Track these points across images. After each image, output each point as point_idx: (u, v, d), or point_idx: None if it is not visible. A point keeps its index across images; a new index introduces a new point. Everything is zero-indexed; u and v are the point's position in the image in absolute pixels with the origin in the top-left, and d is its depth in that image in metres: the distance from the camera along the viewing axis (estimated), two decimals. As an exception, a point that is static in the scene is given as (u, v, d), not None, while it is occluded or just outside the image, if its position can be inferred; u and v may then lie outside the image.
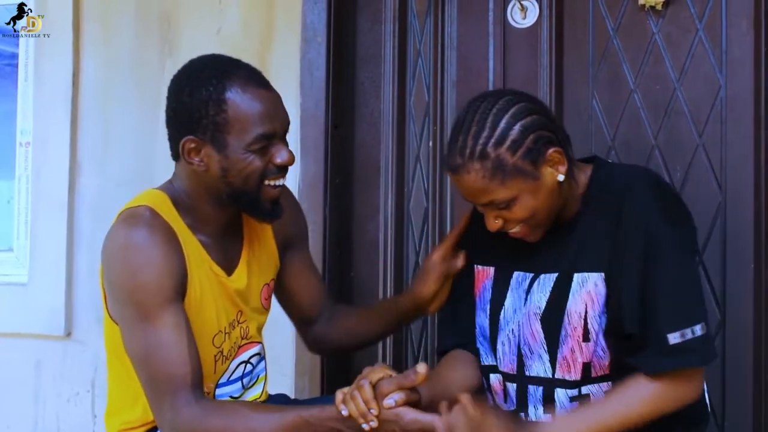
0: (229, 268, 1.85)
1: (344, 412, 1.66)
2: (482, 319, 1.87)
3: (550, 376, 1.77)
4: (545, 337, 1.77)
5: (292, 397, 2.24)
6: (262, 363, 1.99)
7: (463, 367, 1.89)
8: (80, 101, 2.82)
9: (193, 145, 1.74)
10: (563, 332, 1.75)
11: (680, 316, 1.67)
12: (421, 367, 1.67)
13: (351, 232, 2.65)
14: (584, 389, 1.75)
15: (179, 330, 1.69)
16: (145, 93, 2.74)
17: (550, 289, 1.77)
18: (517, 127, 1.68)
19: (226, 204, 1.80)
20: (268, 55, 2.62)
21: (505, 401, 1.84)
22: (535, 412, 1.79)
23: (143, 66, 2.77)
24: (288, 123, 1.80)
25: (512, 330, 1.81)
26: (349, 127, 2.64)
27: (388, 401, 1.65)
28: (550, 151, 1.70)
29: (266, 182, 1.76)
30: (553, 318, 1.76)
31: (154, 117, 2.65)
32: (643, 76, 2.35)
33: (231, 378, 1.88)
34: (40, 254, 2.84)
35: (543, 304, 1.77)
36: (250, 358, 1.92)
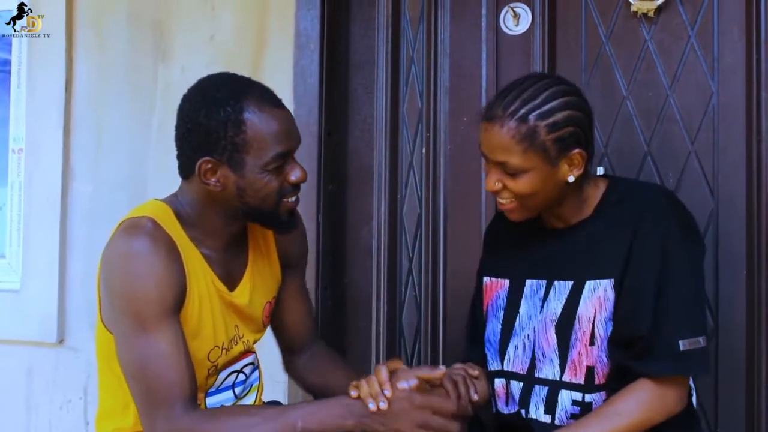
0: (231, 283, 1.84)
1: (353, 393, 1.68)
2: (494, 325, 1.92)
3: (558, 379, 1.81)
4: (558, 342, 1.81)
5: (286, 404, 2.24)
6: (256, 372, 1.98)
7: (483, 378, 1.93)
8: (73, 107, 2.81)
9: (209, 166, 1.73)
10: (573, 336, 1.80)
11: (690, 325, 1.75)
12: (442, 368, 1.75)
13: (344, 238, 2.65)
14: (587, 397, 1.78)
15: (176, 342, 1.68)
16: (138, 99, 2.74)
17: (566, 296, 1.82)
18: (564, 113, 1.75)
19: (239, 218, 1.80)
20: (261, 62, 2.62)
21: (507, 405, 1.87)
22: (536, 411, 1.82)
23: (136, 72, 2.76)
24: (300, 140, 1.81)
25: (527, 335, 1.86)
26: (342, 134, 2.64)
27: (402, 384, 1.69)
28: (576, 150, 1.77)
29: (284, 200, 1.77)
30: (566, 324, 1.81)
31: (147, 123, 2.65)
32: (636, 83, 2.35)
33: (221, 387, 1.88)
34: (32, 261, 2.83)
35: (559, 311, 1.82)
36: (243, 367, 1.92)
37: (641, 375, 1.73)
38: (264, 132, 1.71)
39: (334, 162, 2.62)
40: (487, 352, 1.92)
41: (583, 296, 1.80)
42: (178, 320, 1.71)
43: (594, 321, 1.78)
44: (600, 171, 2.31)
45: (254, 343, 1.96)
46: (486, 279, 1.97)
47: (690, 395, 1.83)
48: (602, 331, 1.78)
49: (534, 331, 1.85)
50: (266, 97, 1.76)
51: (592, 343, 1.77)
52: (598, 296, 1.79)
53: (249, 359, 1.94)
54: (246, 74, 1.84)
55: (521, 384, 1.85)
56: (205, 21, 2.69)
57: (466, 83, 2.51)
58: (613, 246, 1.79)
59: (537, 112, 1.74)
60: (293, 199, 1.79)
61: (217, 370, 1.85)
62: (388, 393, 1.67)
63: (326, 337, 2.55)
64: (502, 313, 1.91)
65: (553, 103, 1.75)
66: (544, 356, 1.83)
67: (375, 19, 2.61)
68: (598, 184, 1.88)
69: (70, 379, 2.80)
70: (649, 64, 2.34)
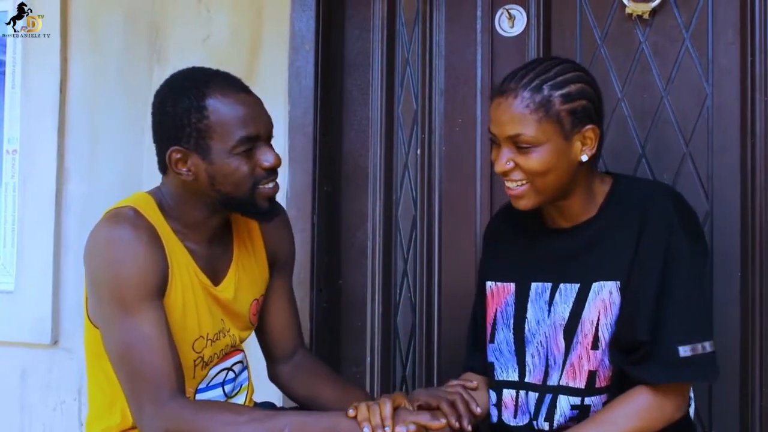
0: (215, 277, 1.84)
1: (351, 413, 1.67)
2: (506, 334, 1.87)
3: (556, 383, 1.78)
4: (565, 348, 1.78)
5: (279, 405, 2.24)
6: (245, 372, 1.98)
7: (482, 388, 1.91)
8: (68, 109, 2.81)
9: (179, 156, 1.74)
10: (575, 339, 1.76)
11: (692, 329, 1.70)
12: (442, 420, 1.70)
13: (339, 239, 2.65)
14: (587, 400, 1.75)
15: (159, 326, 1.69)
16: (133, 100, 2.74)
17: (573, 300, 1.78)
18: (578, 86, 1.73)
19: (218, 210, 1.80)
20: (256, 63, 2.62)
21: (515, 416, 1.83)
22: (540, 419, 1.79)
23: (131, 73, 2.76)
24: (271, 126, 1.80)
25: (540, 342, 1.82)
26: (337, 135, 2.64)
27: (401, 429, 1.66)
28: (590, 126, 1.74)
29: (260, 187, 1.77)
30: (571, 327, 1.77)
31: (142, 124, 2.65)
32: (631, 85, 2.35)
33: (211, 384, 1.88)
34: (26, 262, 2.82)
35: (567, 315, 1.78)
36: (233, 365, 1.92)
37: (639, 382, 1.70)
38: (227, 116, 1.72)
39: (329, 163, 2.61)
40: (495, 361, 1.87)
41: (588, 299, 1.76)
42: (161, 305, 1.71)
43: (598, 324, 1.74)
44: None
45: (242, 341, 1.95)
46: (490, 284, 1.92)
47: (689, 404, 1.79)
48: (606, 335, 1.74)
49: (546, 336, 1.80)
50: (231, 83, 1.77)
51: (595, 347, 1.74)
52: (603, 299, 1.75)
53: (238, 357, 1.94)
54: (241, 75, 1.84)
55: (536, 394, 1.80)
56: (200, 22, 2.69)
57: (461, 85, 2.51)
58: (619, 247, 1.75)
59: (551, 82, 1.71)
60: (270, 185, 1.78)
61: (205, 364, 1.84)
62: (388, 430, 1.65)
63: (321, 338, 2.56)
64: (512, 321, 1.86)
65: (567, 75, 1.73)
66: (555, 363, 1.79)
67: (370, 21, 2.61)
68: (604, 180, 1.84)
69: (64, 380, 2.80)
70: (644, 66, 2.34)
